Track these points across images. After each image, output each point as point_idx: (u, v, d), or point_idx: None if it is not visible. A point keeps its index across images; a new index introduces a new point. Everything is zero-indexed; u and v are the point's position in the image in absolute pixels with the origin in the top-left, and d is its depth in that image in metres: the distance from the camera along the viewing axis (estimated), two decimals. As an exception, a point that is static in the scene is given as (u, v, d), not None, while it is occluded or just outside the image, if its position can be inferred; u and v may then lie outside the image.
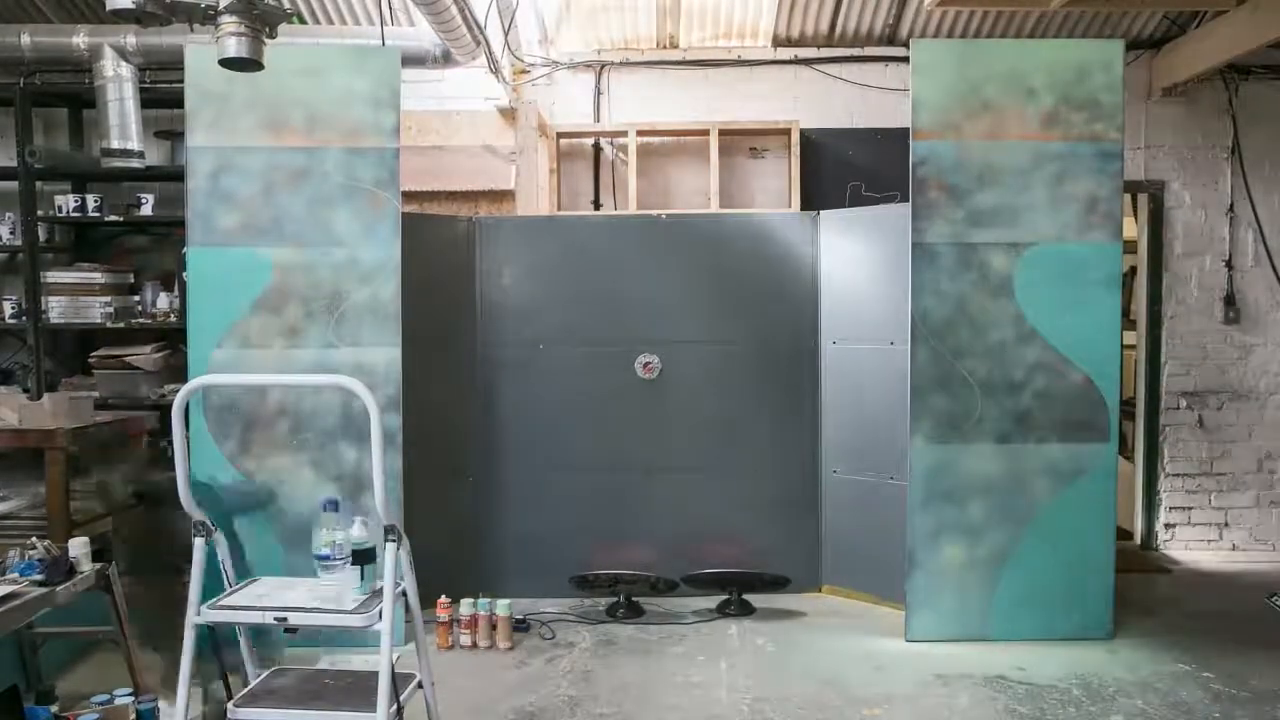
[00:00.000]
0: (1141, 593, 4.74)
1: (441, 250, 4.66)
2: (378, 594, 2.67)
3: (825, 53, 5.54)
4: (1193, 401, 5.57)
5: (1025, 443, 4.10)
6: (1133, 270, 5.80)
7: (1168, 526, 5.61)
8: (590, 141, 5.57)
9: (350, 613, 2.62)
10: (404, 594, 2.82)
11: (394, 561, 2.66)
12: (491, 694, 3.60)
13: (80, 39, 4.89)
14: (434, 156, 5.37)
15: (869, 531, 4.60)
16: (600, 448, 4.70)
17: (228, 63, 3.03)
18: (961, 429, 4.09)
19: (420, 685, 2.93)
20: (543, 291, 4.76)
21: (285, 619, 2.60)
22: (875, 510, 4.56)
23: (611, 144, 5.57)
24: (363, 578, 2.72)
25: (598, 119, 5.55)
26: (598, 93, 5.56)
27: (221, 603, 2.70)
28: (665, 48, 5.58)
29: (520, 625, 4.23)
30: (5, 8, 5.25)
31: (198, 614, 2.65)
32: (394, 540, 2.66)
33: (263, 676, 2.89)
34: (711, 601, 4.52)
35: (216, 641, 2.92)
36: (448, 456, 4.63)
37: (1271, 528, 5.58)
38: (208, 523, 2.75)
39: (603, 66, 5.56)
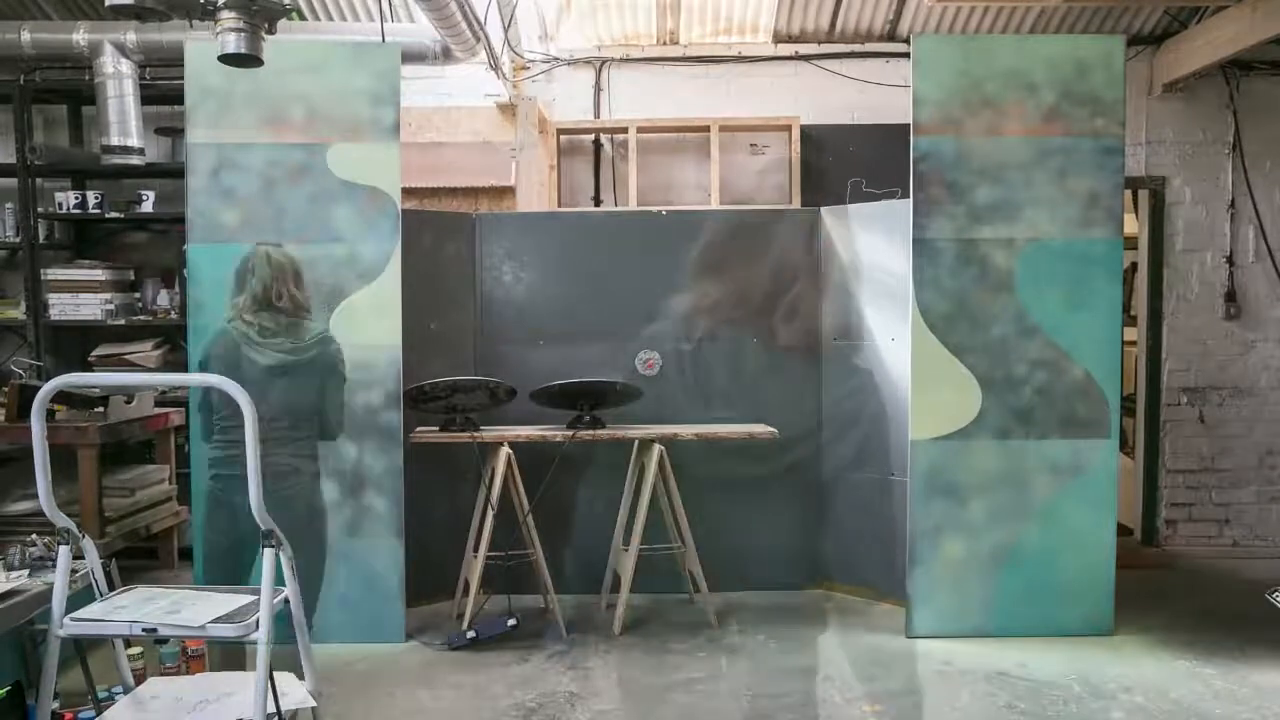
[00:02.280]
0: (1142, 589, 4.74)
1: (442, 246, 4.65)
2: (256, 604, 2.45)
3: (826, 49, 5.53)
4: (1194, 397, 5.56)
5: (1026, 439, 4.10)
6: (1133, 266, 5.80)
7: (1169, 522, 5.60)
8: (590, 138, 5.57)
9: (222, 622, 2.38)
10: (285, 602, 2.59)
11: (273, 567, 2.47)
12: (492, 690, 3.60)
13: (80, 35, 4.89)
14: (434, 152, 5.36)
15: (870, 528, 4.60)
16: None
17: (227, 59, 3.03)
18: (962, 425, 4.09)
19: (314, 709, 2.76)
20: (543, 287, 4.75)
21: (155, 630, 2.38)
22: (876, 506, 4.56)
23: (612, 140, 5.57)
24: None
25: (598, 115, 5.54)
26: (598, 89, 5.55)
27: (85, 615, 2.43)
28: (665, 44, 5.57)
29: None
30: (6, 4, 5.25)
31: (61, 626, 2.41)
32: (273, 545, 2.49)
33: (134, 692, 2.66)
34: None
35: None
36: (448, 454, 4.62)
37: (1272, 524, 5.57)
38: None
39: (603, 63, 5.55)
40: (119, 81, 4.92)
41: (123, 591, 2.64)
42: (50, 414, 4.49)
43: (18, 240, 5.23)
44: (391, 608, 4.06)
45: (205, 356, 3.32)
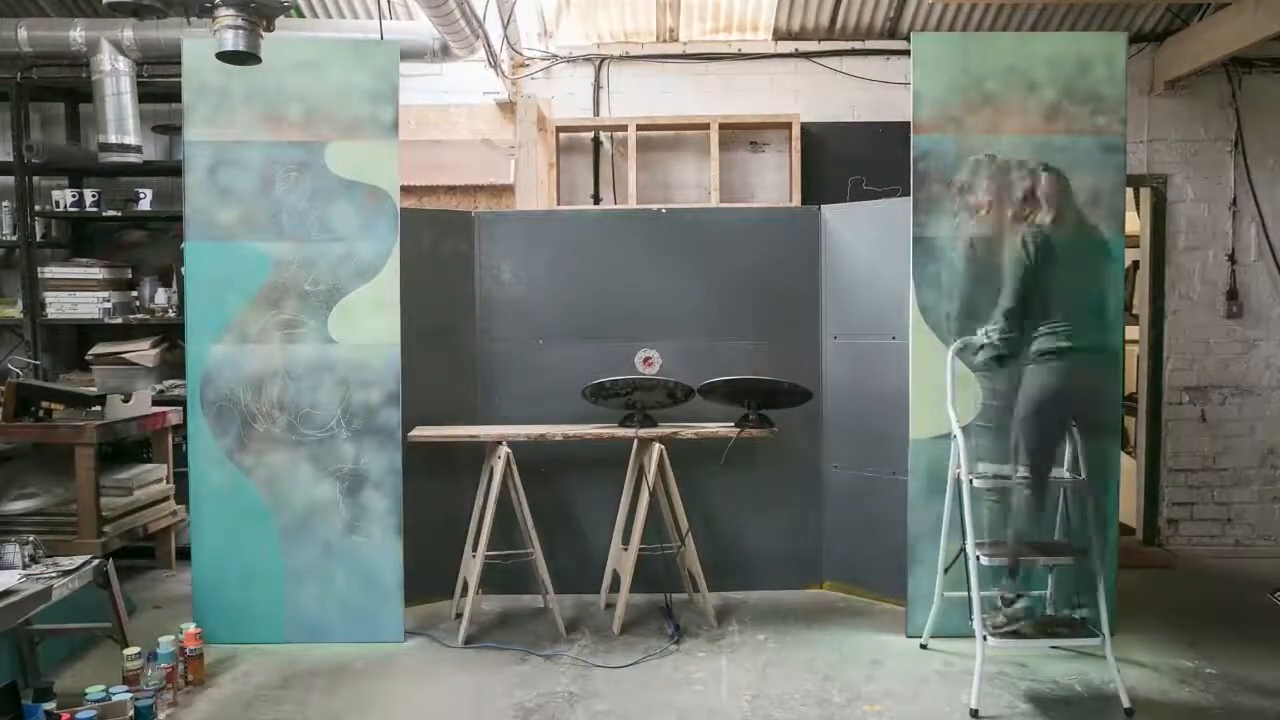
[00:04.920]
0: (1144, 588, 4.73)
1: (440, 245, 4.63)
2: None
3: (826, 46, 5.52)
4: (1195, 396, 5.55)
5: (1027, 438, 4.08)
6: (1135, 264, 5.79)
7: (1170, 522, 5.59)
8: (589, 135, 5.56)
9: None
10: None
11: None
12: (491, 690, 3.59)
13: (77, 33, 4.88)
14: (433, 150, 5.35)
15: (870, 527, 4.58)
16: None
17: (225, 56, 3.02)
18: (963, 424, 4.06)
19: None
20: (542, 286, 4.74)
21: None
22: (876, 506, 4.55)
23: (611, 138, 5.56)
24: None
25: (597, 113, 5.53)
26: (597, 86, 5.54)
27: None
28: (665, 41, 5.55)
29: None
30: (3, 2, 5.23)
31: None
32: None
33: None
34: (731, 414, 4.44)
35: None
36: (448, 453, 4.61)
37: (1275, 523, 5.57)
38: None
39: (602, 60, 5.54)
40: (116, 79, 4.91)
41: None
42: (47, 413, 4.47)
43: (15, 239, 5.22)
44: (390, 607, 4.05)
45: None
